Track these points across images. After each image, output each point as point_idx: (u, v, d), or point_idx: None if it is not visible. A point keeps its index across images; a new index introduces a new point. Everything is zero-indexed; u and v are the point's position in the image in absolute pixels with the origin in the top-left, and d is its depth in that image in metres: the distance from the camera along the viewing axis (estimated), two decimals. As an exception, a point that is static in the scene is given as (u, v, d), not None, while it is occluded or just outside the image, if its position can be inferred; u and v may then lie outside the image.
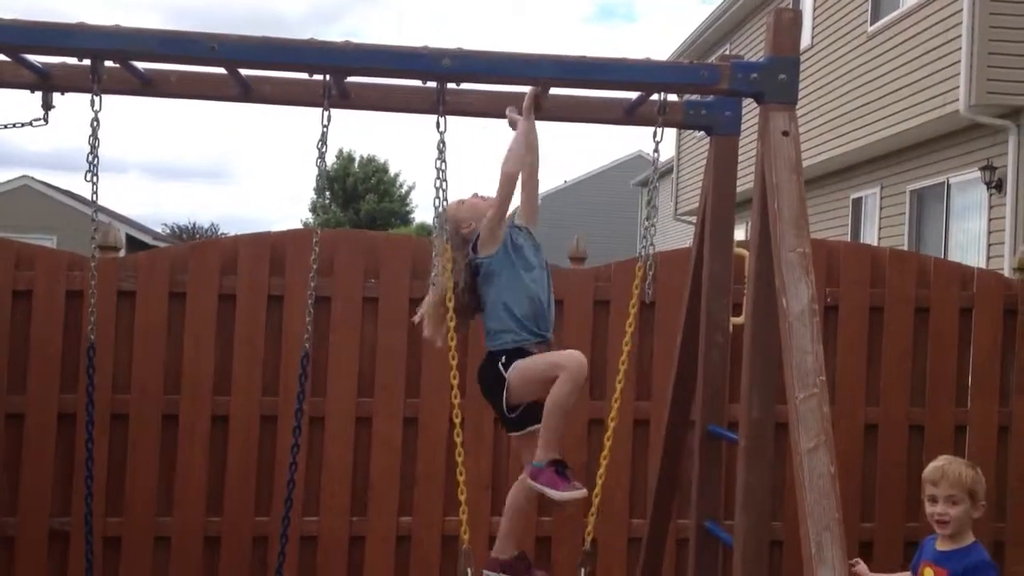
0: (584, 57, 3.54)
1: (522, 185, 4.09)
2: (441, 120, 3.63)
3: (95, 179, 3.64)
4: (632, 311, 3.86)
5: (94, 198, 3.64)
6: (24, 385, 5.54)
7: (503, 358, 3.99)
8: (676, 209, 25.67)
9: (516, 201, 4.15)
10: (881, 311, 6.10)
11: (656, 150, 3.65)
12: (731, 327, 4.37)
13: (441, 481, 5.81)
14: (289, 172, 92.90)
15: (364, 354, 5.84)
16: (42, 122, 4.06)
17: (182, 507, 5.63)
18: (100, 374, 5.26)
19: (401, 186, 52.74)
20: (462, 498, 3.76)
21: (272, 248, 5.81)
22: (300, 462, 5.02)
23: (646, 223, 3.78)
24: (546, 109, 4.13)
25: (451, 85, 3.65)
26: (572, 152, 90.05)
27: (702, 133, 4.57)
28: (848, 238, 16.16)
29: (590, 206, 39.21)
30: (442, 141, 3.60)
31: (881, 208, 15.86)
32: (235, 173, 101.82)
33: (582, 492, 3.91)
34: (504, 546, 4.27)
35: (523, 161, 3.98)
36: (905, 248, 14.00)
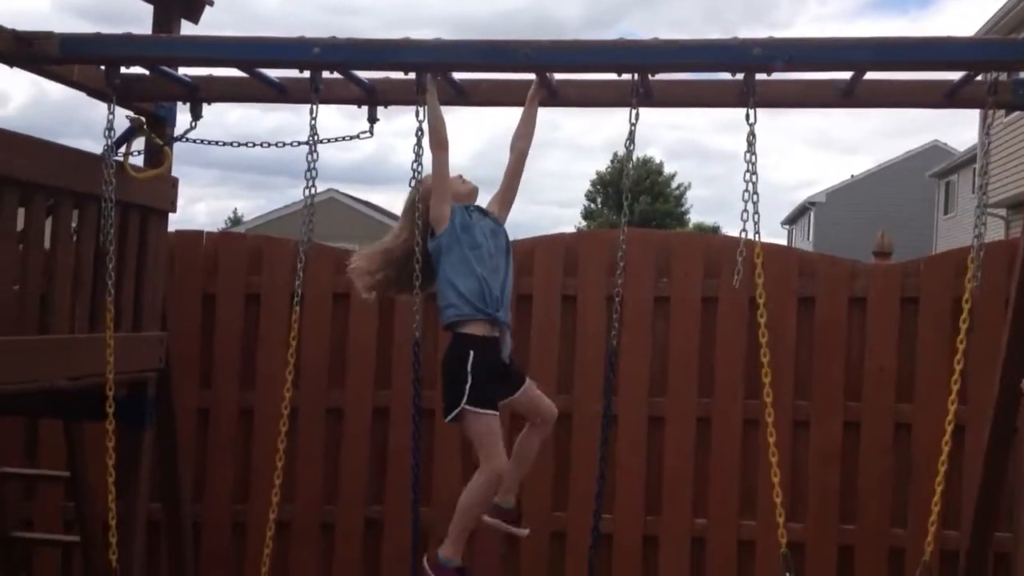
0: (905, 38, 3.38)
1: (511, 170, 4.11)
2: (751, 112, 3.57)
3: (419, 186, 3.86)
4: (965, 306, 3.61)
5: (418, 205, 3.88)
6: (344, 382, 5.94)
7: (472, 356, 3.91)
8: (983, 200, 23.86)
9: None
10: None
11: (987, 132, 3.42)
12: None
13: (736, 483, 5.72)
14: (560, 179, 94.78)
15: (656, 354, 5.86)
16: (368, 134, 4.35)
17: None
18: (407, 371, 5.55)
19: (677, 187, 52.35)
20: (777, 500, 3.65)
21: (566, 249, 5.94)
22: (597, 460, 5.10)
23: (977, 211, 3.54)
24: (857, 96, 3.98)
25: (761, 76, 3.58)
26: (856, 147, 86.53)
27: (1014, 116, 4.26)
28: None
29: (881, 201, 37.21)
30: (752, 133, 3.54)
31: None
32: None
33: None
34: (506, 494, 4.21)
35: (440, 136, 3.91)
36: None
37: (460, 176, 4.19)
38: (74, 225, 4.24)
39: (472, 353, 3.91)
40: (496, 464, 3.93)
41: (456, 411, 3.94)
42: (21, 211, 3.94)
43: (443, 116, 3.90)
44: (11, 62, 3.93)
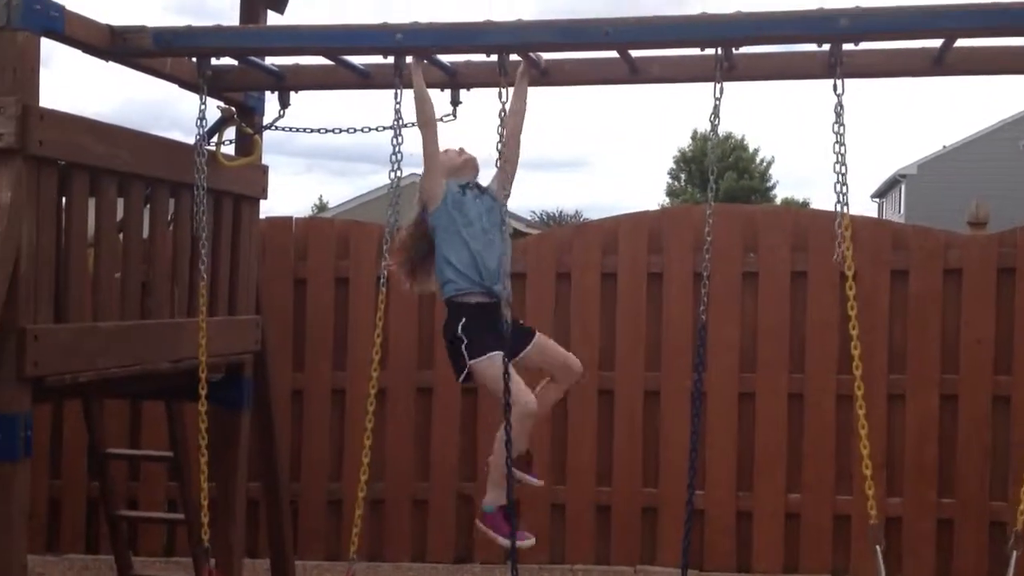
0: (996, 3, 3.27)
1: (505, 147, 3.94)
2: (838, 83, 3.50)
3: (503, 167, 3.89)
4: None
5: (505, 186, 3.90)
6: (432, 361, 6.02)
7: (463, 322, 3.93)
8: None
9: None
10: None
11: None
12: None
13: (831, 459, 5.66)
14: (644, 157, 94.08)
15: (745, 330, 5.81)
16: (451, 117, 4.38)
17: (575, 475, 5.89)
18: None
19: (761, 162, 51.47)
20: (867, 473, 3.60)
21: (649, 227, 5.92)
22: (687, 436, 5.09)
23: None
24: (948, 64, 3.87)
25: (848, 46, 3.51)
26: (946, 116, 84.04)
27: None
28: None
29: (973, 171, 36.07)
30: (840, 104, 3.48)
31: None
32: (593, 162, 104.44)
33: (530, 542, 3.94)
34: (519, 444, 4.04)
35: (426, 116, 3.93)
36: None
37: (460, 148, 4.20)
38: (171, 213, 4.37)
39: (464, 318, 3.97)
40: (523, 403, 3.87)
41: (464, 371, 3.98)
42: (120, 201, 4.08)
43: (428, 95, 3.94)
44: (106, 56, 4.05)
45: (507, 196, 4.05)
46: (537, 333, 4.10)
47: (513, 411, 3.83)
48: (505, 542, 3.91)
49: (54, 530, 6.26)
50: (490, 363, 3.92)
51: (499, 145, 3.77)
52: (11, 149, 3.37)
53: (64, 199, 3.74)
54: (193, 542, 4.84)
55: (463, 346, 3.95)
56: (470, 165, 4.17)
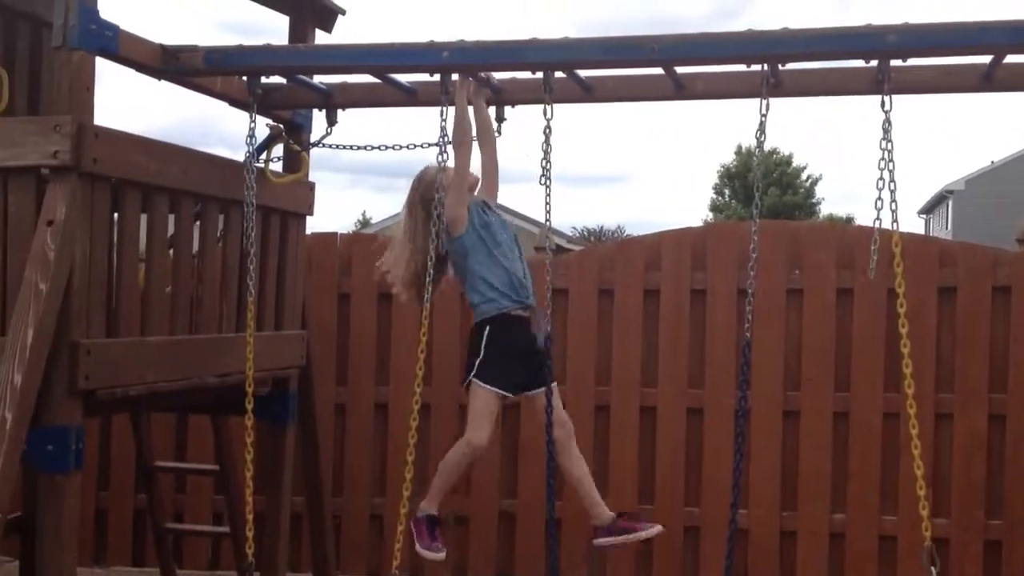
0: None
1: (487, 164, 4.24)
2: (886, 100, 3.49)
3: (548, 184, 3.89)
4: None
5: (547, 202, 3.89)
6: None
7: (488, 329, 4.08)
8: None
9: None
10: None
11: None
12: None
13: (877, 478, 5.60)
14: (686, 172, 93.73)
15: (789, 347, 5.77)
16: (496, 134, 4.41)
17: (616, 494, 5.85)
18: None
19: (807, 179, 51.09)
20: (921, 493, 3.56)
21: (693, 243, 5.90)
22: (729, 454, 5.06)
23: None
24: (997, 80, 3.84)
25: (896, 62, 3.50)
26: (994, 132, 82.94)
27: None
28: None
29: (1021, 187, 35.49)
30: (888, 120, 3.46)
31: None
32: (635, 177, 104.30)
33: (439, 556, 4.15)
34: (431, 503, 4.27)
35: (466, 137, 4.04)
36: None
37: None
38: (219, 229, 4.43)
39: (488, 328, 4.09)
40: (476, 437, 4.09)
41: (467, 380, 4.15)
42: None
43: (470, 116, 4.04)
44: (159, 76, 4.13)
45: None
46: (555, 384, 4.12)
47: (465, 438, 4.09)
48: (420, 549, 4.15)
49: (101, 542, 6.34)
50: (485, 396, 4.11)
51: (543, 162, 3.79)
52: (66, 167, 3.45)
53: (116, 215, 3.81)
54: (238, 556, 4.88)
55: (478, 360, 4.10)
56: (476, 184, 4.30)
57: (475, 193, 4.27)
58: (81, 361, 3.45)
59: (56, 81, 3.55)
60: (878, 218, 3.51)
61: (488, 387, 4.11)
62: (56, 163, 3.45)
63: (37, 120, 3.74)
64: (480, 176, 4.30)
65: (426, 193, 4.13)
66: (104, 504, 6.33)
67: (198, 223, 4.35)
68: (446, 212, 3.96)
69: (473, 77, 4.07)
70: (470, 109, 4.08)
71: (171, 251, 4.20)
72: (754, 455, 5.70)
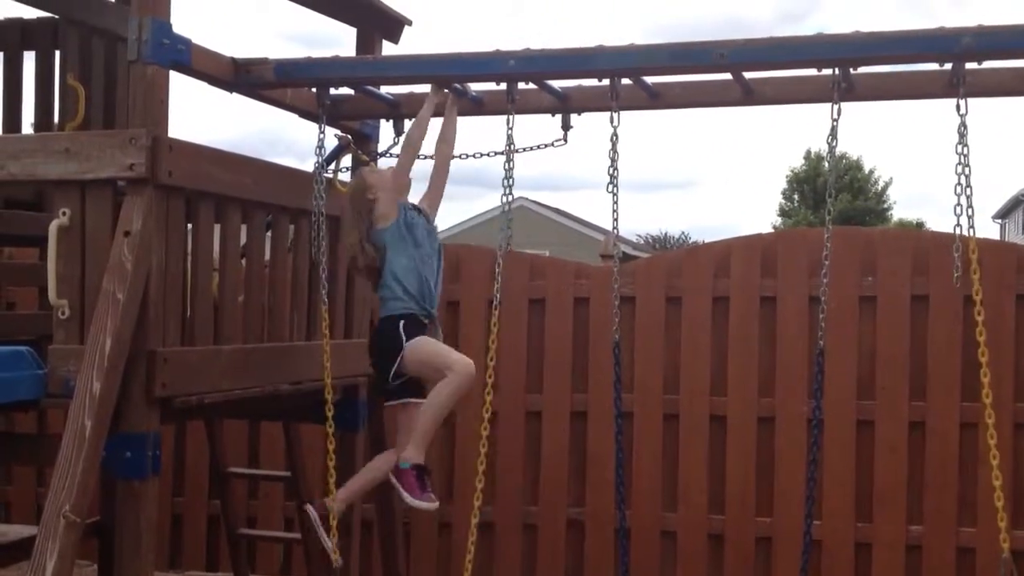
0: None
1: (435, 172, 4.34)
2: (961, 103, 3.41)
3: (615, 190, 3.88)
4: None
5: (615, 209, 3.89)
6: (540, 385, 6.04)
7: (402, 323, 4.08)
8: None
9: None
10: None
11: None
12: None
13: (954, 489, 5.47)
14: (752, 178, 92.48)
15: (863, 355, 5.67)
16: (562, 142, 4.41)
17: (686, 503, 5.81)
18: (603, 374, 5.60)
19: (876, 183, 50.14)
20: (999, 504, 3.47)
21: (763, 250, 5.83)
22: (802, 464, 4.98)
23: None
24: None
25: (971, 65, 3.43)
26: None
27: None
28: None
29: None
30: (963, 124, 3.39)
31: None
32: (700, 183, 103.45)
33: (434, 505, 4.06)
34: (347, 496, 4.34)
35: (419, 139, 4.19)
36: None
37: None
38: (290, 239, 4.50)
39: (403, 322, 4.12)
40: (461, 364, 4.03)
41: (398, 360, 4.09)
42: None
43: (427, 124, 4.21)
44: (231, 88, 4.21)
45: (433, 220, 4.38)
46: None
47: (450, 377, 4.01)
48: (412, 501, 4.05)
49: (176, 547, 6.46)
50: (422, 341, 4.13)
51: (611, 169, 3.79)
52: (142, 179, 3.53)
53: (191, 226, 3.89)
54: (309, 561, 4.93)
55: (400, 331, 4.09)
56: (409, 187, 4.37)
57: (406, 195, 4.33)
58: (158, 369, 3.53)
59: (131, 95, 3.63)
60: (958, 224, 3.44)
61: (419, 338, 4.13)
62: (132, 175, 3.53)
63: (113, 133, 3.83)
64: (411, 180, 4.38)
65: (357, 198, 4.30)
66: (179, 510, 6.45)
67: (269, 233, 4.42)
68: (379, 205, 4.18)
69: (450, 89, 4.22)
70: (436, 120, 4.28)
71: (243, 260, 4.27)
72: (827, 465, 5.60)
